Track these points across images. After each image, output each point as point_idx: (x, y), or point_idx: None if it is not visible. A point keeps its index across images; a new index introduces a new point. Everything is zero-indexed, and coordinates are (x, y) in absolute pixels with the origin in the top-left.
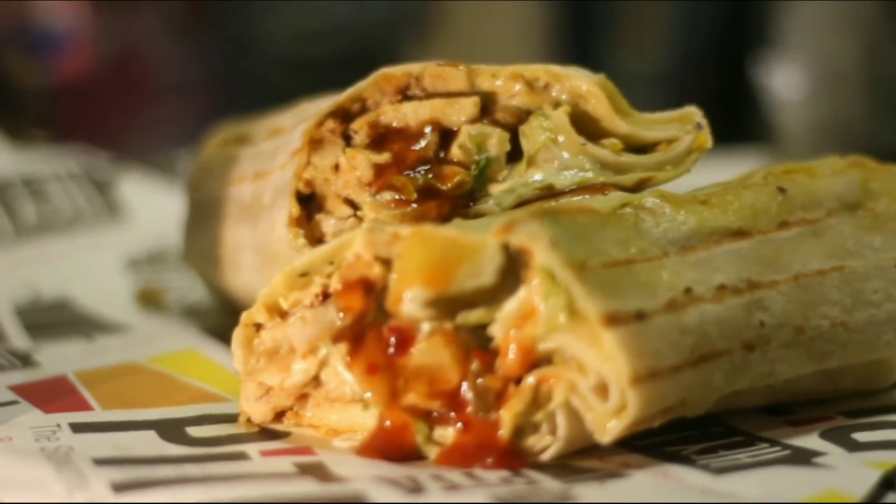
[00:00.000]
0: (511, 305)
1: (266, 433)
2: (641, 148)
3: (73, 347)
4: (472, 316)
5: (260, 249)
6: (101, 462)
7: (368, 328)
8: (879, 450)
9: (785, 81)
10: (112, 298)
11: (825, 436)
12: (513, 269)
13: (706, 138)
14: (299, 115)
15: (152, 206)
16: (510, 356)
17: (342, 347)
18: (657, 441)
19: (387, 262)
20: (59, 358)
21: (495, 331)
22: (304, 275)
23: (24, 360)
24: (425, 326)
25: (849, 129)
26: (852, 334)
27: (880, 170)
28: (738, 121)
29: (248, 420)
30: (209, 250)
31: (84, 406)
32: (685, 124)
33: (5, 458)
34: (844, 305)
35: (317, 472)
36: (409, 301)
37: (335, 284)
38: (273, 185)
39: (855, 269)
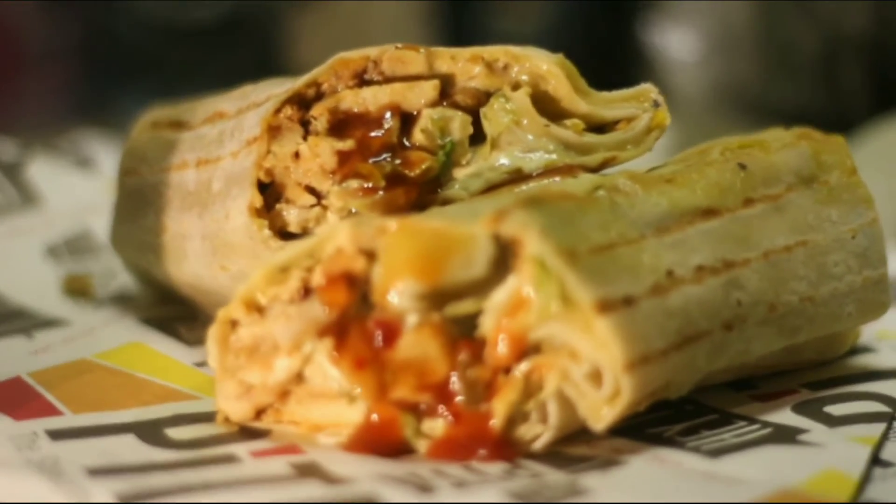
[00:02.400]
0: (500, 295)
1: (246, 432)
2: (600, 127)
3: (13, 344)
4: (461, 307)
5: (210, 238)
6: (94, 472)
7: (352, 322)
8: (857, 423)
9: (678, 43)
10: (37, 289)
11: (798, 410)
12: (502, 258)
13: (665, 116)
14: (242, 99)
15: (64, 189)
16: (500, 346)
17: (328, 343)
18: (636, 423)
19: (370, 255)
20: (4, 357)
21: (485, 321)
22: (283, 270)
23: None
24: (411, 319)
25: (743, 90)
26: (818, 308)
27: (827, 141)
28: (625, 81)
29: (226, 419)
30: (146, 238)
31: (52, 411)
32: (642, 102)
33: None
34: (810, 280)
35: (315, 472)
36: (399, 294)
37: (317, 279)
38: (223, 172)
39: (817, 243)
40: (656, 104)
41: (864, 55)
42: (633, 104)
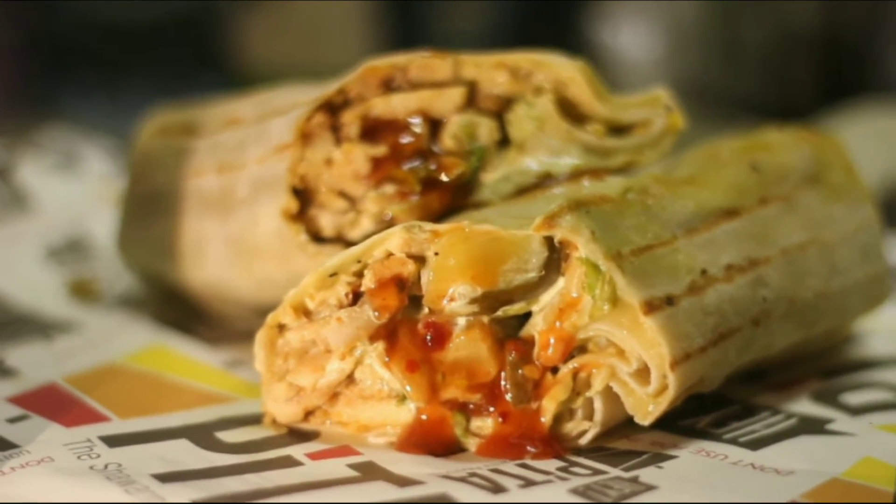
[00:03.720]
0: (549, 297)
1: (296, 434)
2: (617, 131)
3: (37, 350)
4: (513, 309)
5: (234, 243)
6: (162, 478)
7: (401, 325)
8: (877, 412)
9: (633, 41)
10: (44, 293)
11: (816, 400)
12: (551, 261)
13: (678, 119)
14: (261, 105)
15: (58, 191)
16: (550, 346)
17: (379, 346)
18: (667, 416)
19: (419, 259)
20: (33, 362)
21: (535, 322)
22: (333, 275)
23: None
24: (461, 321)
25: (696, 86)
26: (829, 302)
27: (824, 140)
28: None
29: (274, 421)
30: (160, 242)
31: (99, 416)
32: (655, 107)
33: (63, 482)
34: (822, 275)
35: (378, 473)
36: (456, 297)
37: (368, 283)
38: (249, 178)
39: (826, 241)
40: (668, 108)
41: (812, 50)
42: (646, 108)
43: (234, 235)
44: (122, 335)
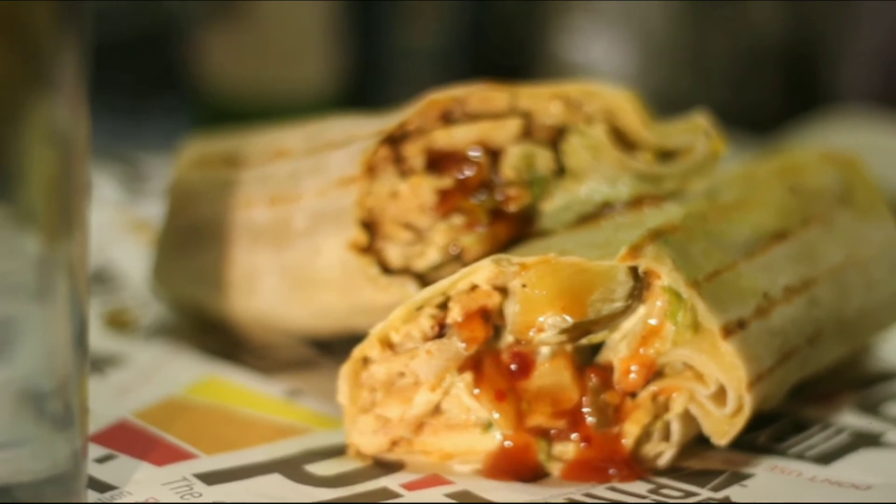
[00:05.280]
0: (631, 325)
1: (382, 465)
2: (662, 157)
3: (95, 385)
4: (597, 337)
5: (290, 274)
6: None
7: (485, 355)
8: None
9: (603, 57)
10: None
11: (859, 412)
12: (634, 291)
13: (720, 145)
14: (313, 138)
15: None
16: (632, 372)
17: (467, 376)
18: None
19: (503, 291)
20: (95, 398)
21: (618, 348)
22: (419, 308)
23: None
24: (545, 349)
25: (672, 100)
26: (868, 318)
27: (847, 162)
28: None
29: (358, 452)
30: (205, 274)
31: (185, 454)
32: (696, 133)
33: None
34: (860, 292)
35: (479, 502)
36: (546, 328)
37: (455, 315)
38: (307, 210)
39: (861, 259)
40: (708, 134)
41: (778, 63)
42: (688, 135)
43: (291, 267)
44: (172, 367)
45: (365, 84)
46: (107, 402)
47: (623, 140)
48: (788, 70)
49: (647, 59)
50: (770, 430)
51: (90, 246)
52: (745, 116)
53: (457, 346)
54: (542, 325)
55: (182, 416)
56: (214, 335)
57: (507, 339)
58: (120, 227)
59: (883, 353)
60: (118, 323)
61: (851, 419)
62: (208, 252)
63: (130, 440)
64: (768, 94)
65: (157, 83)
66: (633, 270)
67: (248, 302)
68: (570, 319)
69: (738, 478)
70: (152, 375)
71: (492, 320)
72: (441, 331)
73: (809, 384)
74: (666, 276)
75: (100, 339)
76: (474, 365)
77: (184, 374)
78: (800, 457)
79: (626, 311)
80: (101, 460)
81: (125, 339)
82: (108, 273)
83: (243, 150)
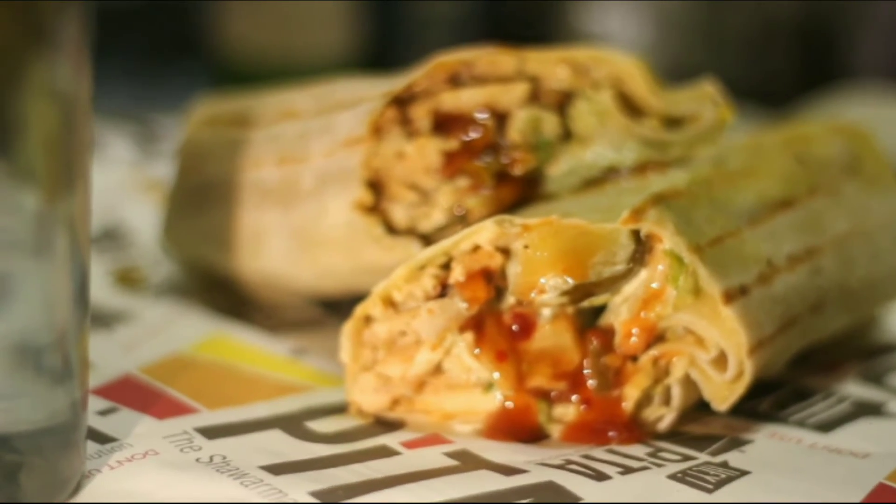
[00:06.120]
0: (632, 288)
1: (382, 423)
2: (669, 124)
3: (102, 340)
4: (598, 300)
5: (298, 234)
6: (273, 470)
7: (488, 316)
8: None
9: (621, 29)
10: (92, 282)
11: (862, 381)
12: (635, 253)
13: (728, 113)
14: (322, 99)
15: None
16: (633, 335)
17: (468, 336)
18: None
19: (505, 252)
20: (102, 353)
21: (619, 312)
22: (422, 267)
23: None
24: (546, 311)
25: (687, 73)
26: (872, 287)
27: (855, 132)
28: None
29: (360, 410)
30: (214, 233)
31: (188, 408)
32: (703, 101)
33: (176, 475)
34: (865, 262)
35: (478, 462)
36: (547, 289)
37: (457, 276)
38: (315, 171)
39: (867, 229)
40: (716, 102)
41: (792, 37)
42: (695, 103)
43: (298, 226)
44: (181, 324)
45: (383, 52)
46: (113, 357)
47: (630, 106)
48: (804, 44)
49: (662, 31)
50: (772, 398)
51: (93, 203)
52: (760, 89)
53: (458, 305)
54: (543, 287)
55: (187, 372)
56: (223, 294)
57: (509, 300)
58: (133, 186)
59: (888, 324)
60: (128, 280)
61: (854, 389)
62: (217, 211)
63: (133, 394)
64: (784, 67)
65: (178, 48)
66: (636, 234)
67: (255, 261)
68: (571, 281)
69: (737, 443)
70: (160, 332)
71: (494, 281)
72: (443, 290)
73: (813, 353)
74: (668, 239)
75: (109, 295)
76: (476, 325)
77: (191, 331)
78: (800, 424)
79: (627, 275)
80: (104, 413)
81: (135, 297)
82: (119, 231)
83: (253, 111)
